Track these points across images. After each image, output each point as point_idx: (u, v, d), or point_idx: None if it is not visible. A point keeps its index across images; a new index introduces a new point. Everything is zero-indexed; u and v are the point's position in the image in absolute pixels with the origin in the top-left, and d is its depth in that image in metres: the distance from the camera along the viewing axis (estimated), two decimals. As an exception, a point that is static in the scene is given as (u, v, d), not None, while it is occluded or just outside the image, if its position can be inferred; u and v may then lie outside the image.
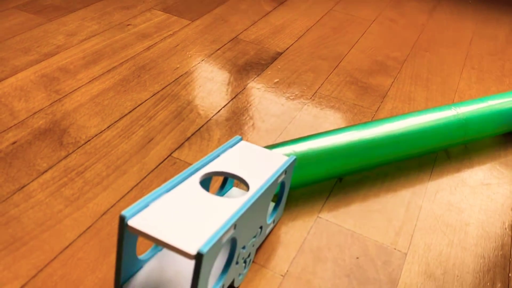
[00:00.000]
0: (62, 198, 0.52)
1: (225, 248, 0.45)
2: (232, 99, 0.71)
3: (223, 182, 0.51)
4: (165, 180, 0.56)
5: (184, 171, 0.42)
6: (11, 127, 0.61)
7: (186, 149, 0.61)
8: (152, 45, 0.83)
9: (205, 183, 0.48)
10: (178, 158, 0.59)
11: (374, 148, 0.56)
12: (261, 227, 0.45)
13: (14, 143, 0.59)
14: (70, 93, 0.69)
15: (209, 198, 0.39)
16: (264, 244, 0.49)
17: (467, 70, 0.85)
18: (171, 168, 0.57)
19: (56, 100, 0.67)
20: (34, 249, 0.47)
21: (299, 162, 0.53)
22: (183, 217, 0.36)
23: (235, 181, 0.56)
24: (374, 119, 0.70)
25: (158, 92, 0.71)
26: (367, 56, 0.87)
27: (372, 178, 0.59)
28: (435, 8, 1.11)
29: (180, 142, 0.62)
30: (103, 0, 0.98)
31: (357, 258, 0.49)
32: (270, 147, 0.54)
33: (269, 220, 0.48)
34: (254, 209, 0.41)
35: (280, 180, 0.46)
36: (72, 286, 0.43)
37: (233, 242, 0.39)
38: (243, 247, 0.42)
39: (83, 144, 0.60)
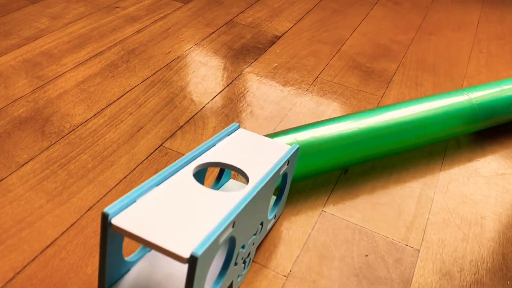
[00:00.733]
0: (43, 192, 0.48)
1: (223, 248, 0.41)
2: (228, 84, 0.66)
3: (220, 174, 0.47)
4: (156, 172, 0.51)
5: (176, 161, 0.38)
6: (-12, 115, 0.57)
7: (178, 139, 0.56)
8: (142, 29, 0.78)
9: (200, 175, 0.44)
10: (170, 148, 0.55)
11: (382, 136, 0.52)
12: (261, 223, 0.41)
13: (-9, 132, 0.54)
14: (53, 79, 0.64)
15: (204, 192, 0.35)
16: (264, 242, 0.45)
17: (475, 55, 0.81)
18: (163, 159, 0.53)
19: (39, 87, 0.62)
20: (12, 249, 0.42)
21: (302, 152, 0.48)
22: (175, 215, 0.32)
23: (233, 172, 0.51)
24: (380, 106, 0.65)
25: (148, 77, 0.66)
26: (370, 40, 0.82)
27: (379, 169, 0.55)
28: (438, -9, 1.06)
29: (172, 131, 0.57)
30: (90, -18, 0.92)
31: (366, 255, 0.45)
32: (270, 136, 0.50)
33: (270, 216, 0.44)
34: (254, 204, 0.37)
35: (282, 171, 0.42)
36: (52, 290, 0.39)
37: (231, 242, 0.35)
38: (243, 247, 0.37)
39: (67, 134, 0.55)
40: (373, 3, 0.96)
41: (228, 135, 0.45)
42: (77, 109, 0.59)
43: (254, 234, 0.40)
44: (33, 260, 0.41)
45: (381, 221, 0.48)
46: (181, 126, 0.58)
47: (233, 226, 0.33)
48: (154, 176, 0.35)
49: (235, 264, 0.37)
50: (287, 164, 0.43)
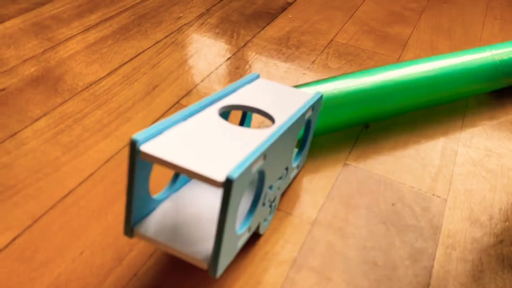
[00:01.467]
0: (58, 145, 0.46)
1: (251, 187, 0.39)
2: (241, 47, 0.65)
3: (242, 119, 0.45)
4: (173, 127, 0.50)
5: (200, 101, 0.36)
6: (-1, 74, 0.55)
7: (195, 96, 0.55)
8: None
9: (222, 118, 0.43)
10: (187, 105, 0.53)
11: (406, 90, 0.51)
12: (286, 169, 0.40)
13: (2, 90, 0.53)
14: (64, 41, 0.63)
15: (232, 128, 0.34)
16: (288, 191, 0.44)
17: (490, 21, 0.80)
18: (180, 115, 0.52)
19: (49, 48, 0.61)
20: (29, 198, 0.41)
21: (325, 104, 0.47)
22: (205, 144, 0.31)
23: (254, 119, 0.50)
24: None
25: (160, 40, 0.65)
26: (382, 7, 0.81)
27: (401, 124, 0.54)
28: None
29: (188, 89, 0.56)
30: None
31: (393, 204, 0.44)
32: (292, 87, 0.48)
33: (294, 164, 0.43)
34: (282, 143, 0.35)
35: (307, 116, 0.41)
36: (73, 235, 0.38)
37: (261, 176, 0.33)
38: (270, 187, 0.36)
39: (80, 91, 0.54)
40: (384, -27, 0.95)
41: (249, 83, 0.43)
42: (89, 68, 0.58)
43: (279, 178, 0.39)
44: (51, 208, 0.40)
45: (406, 172, 0.47)
46: (197, 85, 0.57)
47: (264, 159, 0.32)
48: (179, 112, 0.34)
49: (263, 204, 0.36)
50: (311, 110, 0.42)
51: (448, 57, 0.55)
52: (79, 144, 0.47)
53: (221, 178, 0.28)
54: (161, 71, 0.59)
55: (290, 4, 0.79)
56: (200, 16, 0.72)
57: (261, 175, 0.33)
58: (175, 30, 0.68)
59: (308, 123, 0.43)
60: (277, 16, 0.74)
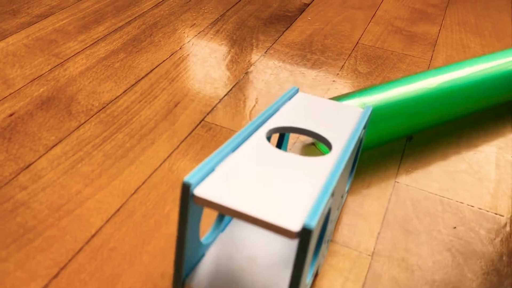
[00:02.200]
0: (79, 176, 0.42)
1: None
2: (263, 54, 0.61)
3: (279, 141, 0.41)
4: (202, 149, 0.45)
5: (245, 127, 0.32)
6: (5, 97, 0.51)
7: (220, 112, 0.50)
8: (160, 2, 0.72)
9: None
10: (213, 123, 0.49)
11: (452, 97, 0.46)
12: (342, 196, 0.36)
13: (11, 115, 0.48)
14: (72, 56, 0.58)
15: (287, 156, 0.29)
16: (339, 219, 0.40)
17: (517, 14, 0.76)
18: (207, 135, 0.47)
19: (57, 65, 0.56)
20: (52, 241, 0.36)
21: (371, 118, 0.43)
22: (265, 182, 0.26)
23: (291, 140, 0.46)
24: (430, 69, 0.60)
25: (176, 51, 0.60)
26: (404, 5, 0.76)
27: (446, 134, 0.50)
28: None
29: (212, 104, 0.51)
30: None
31: (455, 227, 0.39)
32: (333, 99, 0.44)
33: (346, 188, 0.39)
34: (343, 173, 0.31)
35: (361, 136, 0.37)
36: (107, 284, 0.33)
37: (327, 214, 0.29)
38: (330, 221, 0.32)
39: (97, 112, 0.49)
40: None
41: (289, 99, 0.39)
42: (103, 86, 0.53)
43: (337, 208, 0.34)
44: (78, 252, 0.36)
45: (462, 189, 0.43)
46: (221, 99, 0.52)
47: (332, 196, 0.27)
48: (227, 142, 0.29)
49: (325, 242, 0.31)
50: (364, 129, 0.38)
51: (492, 59, 0.51)
52: (102, 173, 0.42)
53: (295, 227, 0.23)
54: (181, 86, 0.54)
55: (307, 5, 0.74)
56: (215, 22, 0.67)
57: (328, 212, 0.29)
58: (191, 39, 0.63)
59: (360, 142, 0.39)
60: (295, 19, 0.70)
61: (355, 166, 0.41)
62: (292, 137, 0.47)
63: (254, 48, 0.62)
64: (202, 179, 0.26)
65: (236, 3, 0.73)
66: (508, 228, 0.40)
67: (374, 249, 0.37)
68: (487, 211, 0.41)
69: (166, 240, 0.37)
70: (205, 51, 0.61)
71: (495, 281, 0.35)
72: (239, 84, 0.55)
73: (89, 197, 0.40)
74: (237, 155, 0.29)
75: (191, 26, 0.66)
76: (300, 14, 0.71)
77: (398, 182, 0.43)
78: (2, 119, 0.48)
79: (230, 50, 0.61)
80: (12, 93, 0.51)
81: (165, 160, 0.44)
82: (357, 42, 0.65)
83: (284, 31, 0.66)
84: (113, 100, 0.51)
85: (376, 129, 0.43)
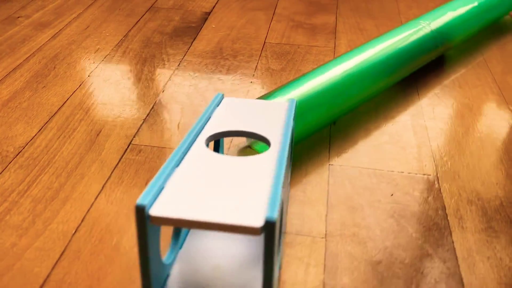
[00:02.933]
0: (10, 228, 0.39)
1: None
2: (177, 66, 0.60)
3: (214, 149, 0.41)
4: (137, 173, 0.44)
5: (183, 140, 0.32)
6: None
7: (147, 132, 0.49)
8: (57, 33, 0.69)
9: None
10: (142, 145, 0.48)
11: (366, 78, 0.50)
12: (287, 188, 0.37)
13: None
14: (-28, 104, 0.53)
15: (232, 160, 0.30)
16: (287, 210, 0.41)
17: (399, -6, 0.83)
18: (139, 157, 0.46)
19: (-44, 116, 0.51)
20: (-4, 303, 0.33)
21: (297, 112, 0.45)
22: (216, 188, 0.27)
23: (225, 143, 0.46)
24: (336, 56, 0.63)
25: (85, 79, 0.58)
26: (299, 0, 0.80)
27: (365, 113, 0.53)
28: None
29: (136, 126, 0.50)
30: (-26, -2, 0.80)
31: (392, 195, 0.42)
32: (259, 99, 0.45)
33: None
34: (286, 164, 0.32)
35: (293, 128, 0.38)
36: (69, 333, 0.31)
37: (282, 206, 0.30)
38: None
39: (13, 158, 0.46)
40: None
41: (217, 106, 0.39)
42: (15, 129, 0.50)
43: (287, 200, 0.35)
44: (28, 307, 0.33)
45: (390, 159, 0.46)
46: (145, 119, 0.51)
47: (282, 188, 0.28)
48: (170, 158, 0.29)
49: (283, 234, 0.32)
50: (294, 120, 0.39)
51: (389, 37, 0.55)
52: (35, 220, 0.39)
53: (258, 223, 0.24)
54: (98, 113, 0.52)
55: (208, 13, 0.75)
56: (120, 44, 0.66)
57: (281, 205, 0.30)
58: (98, 64, 0.61)
59: (292, 133, 0.40)
60: (200, 29, 0.70)
61: (291, 158, 0.42)
62: (226, 143, 0.48)
63: (166, 63, 0.61)
64: (154, 198, 0.25)
65: (137, 22, 0.72)
66: (437, 185, 0.43)
67: (326, 231, 0.39)
68: (416, 174, 0.45)
69: (122, 272, 0.35)
70: (116, 74, 0.59)
71: (437, 234, 0.38)
72: (160, 101, 0.54)
73: (27, 247, 0.37)
74: (183, 168, 0.29)
75: (95, 52, 0.64)
76: (204, 23, 0.72)
77: (332, 165, 0.46)
78: None
79: (142, 69, 0.60)
80: None
81: (100, 192, 0.42)
82: (264, 42, 0.67)
83: (192, 42, 0.67)
84: (28, 142, 0.48)
85: (302, 122, 0.45)
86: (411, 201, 0.42)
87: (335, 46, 0.66)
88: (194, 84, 0.57)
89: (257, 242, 0.33)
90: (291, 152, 0.42)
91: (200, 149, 0.31)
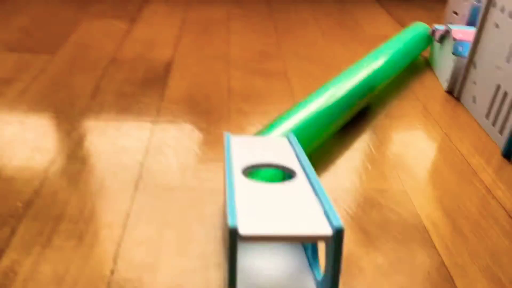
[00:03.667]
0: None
1: None
2: (157, 114, 0.65)
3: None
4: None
5: (226, 173, 0.38)
6: None
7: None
8: (24, 89, 0.69)
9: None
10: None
11: (334, 113, 0.59)
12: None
13: None
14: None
15: (272, 186, 0.36)
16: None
17: (321, 37, 0.95)
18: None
19: None
20: None
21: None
22: (276, 208, 0.33)
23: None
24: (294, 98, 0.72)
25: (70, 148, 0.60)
26: (248, 49, 0.89)
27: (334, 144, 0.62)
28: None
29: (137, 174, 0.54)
30: None
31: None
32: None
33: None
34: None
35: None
36: None
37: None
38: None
39: None
40: (225, 19, 1.04)
41: (231, 144, 0.46)
42: None
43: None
44: None
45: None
46: (143, 161, 0.55)
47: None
48: (228, 189, 0.35)
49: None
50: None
51: (340, 80, 0.65)
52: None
53: (329, 232, 0.30)
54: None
55: (170, 64, 0.81)
56: (93, 96, 0.69)
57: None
58: (83, 110, 0.63)
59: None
60: (167, 78, 0.76)
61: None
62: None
63: (145, 111, 0.66)
64: (236, 219, 0.31)
65: (103, 74, 0.75)
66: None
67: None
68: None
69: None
70: (95, 134, 0.62)
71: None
72: (149, 149, 0.58)
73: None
74: (238, 192, 0.34)
75: (71, 106, 0.66)
76: (170, 73, 0.77)
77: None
78: None
79: (123, 122, 0.63)
80: None
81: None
82: (228, 88, 0.74)
83: (164, 90, 0.72)
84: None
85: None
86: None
87: (291, 88, 0.75)
88: (180, 129, 0.62)
89: (294, 252, 0.39)
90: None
91: (241, 177, 0.37)
